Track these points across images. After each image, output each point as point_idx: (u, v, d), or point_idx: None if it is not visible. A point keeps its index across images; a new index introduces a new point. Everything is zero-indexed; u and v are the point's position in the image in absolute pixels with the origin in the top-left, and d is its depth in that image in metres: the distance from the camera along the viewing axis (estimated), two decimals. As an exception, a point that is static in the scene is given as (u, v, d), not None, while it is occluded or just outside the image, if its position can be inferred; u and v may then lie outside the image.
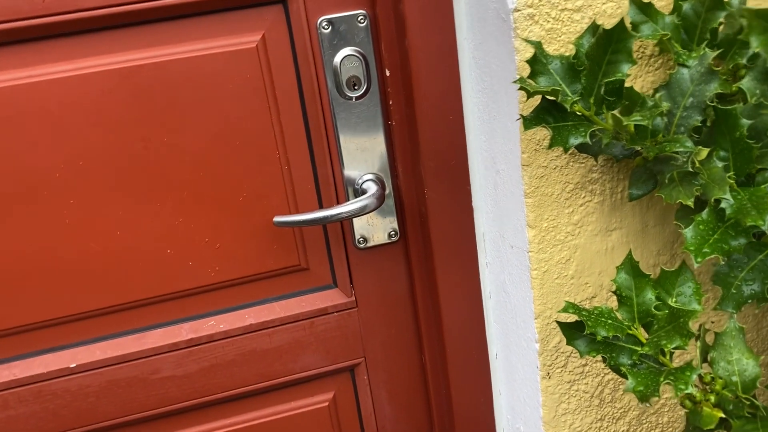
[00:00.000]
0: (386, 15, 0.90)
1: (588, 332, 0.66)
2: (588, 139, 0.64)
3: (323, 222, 0.92)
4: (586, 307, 0.69)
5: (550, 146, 0.65)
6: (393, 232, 1.02)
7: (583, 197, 0.81)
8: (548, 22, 0.74)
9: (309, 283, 1.04)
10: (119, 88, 0.87)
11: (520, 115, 0.69)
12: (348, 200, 0.98)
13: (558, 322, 0.71)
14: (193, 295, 1.00)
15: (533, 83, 0.67)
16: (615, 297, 0.70)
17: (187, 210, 0.95)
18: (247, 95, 0.91)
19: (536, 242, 0.81)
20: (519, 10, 0.72)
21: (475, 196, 0.94)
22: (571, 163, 0.79)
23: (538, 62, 0.67)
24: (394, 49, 0.91)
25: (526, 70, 0.74)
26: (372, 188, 0.94)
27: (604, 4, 0.74)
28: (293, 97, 0.93)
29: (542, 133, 0.77)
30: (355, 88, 0.93)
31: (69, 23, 0.84)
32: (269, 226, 0.97)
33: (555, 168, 0.79)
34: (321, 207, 0.99)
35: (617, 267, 0.69)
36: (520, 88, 0.65)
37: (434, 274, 0.99)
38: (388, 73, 0.93)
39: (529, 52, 0.74)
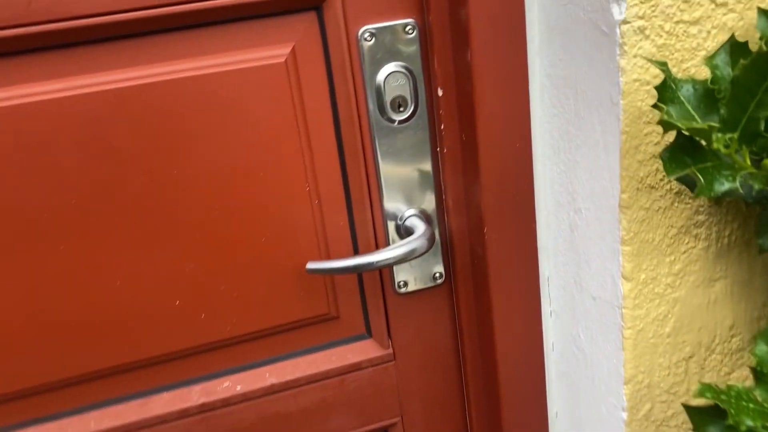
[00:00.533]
0: (441, 25, 0.76)
1: (731, 422, 0.53)
2: (738, 186, 0.51)
3: (366, 269, 0.77)
4: (720, 386, 0.56)
5: (698, 194, 0.52)
6: (438, 274, 0.88)
7: (687, 243, 0.68)
8: (660, 36, 0.61)
9: (339, 334, 0.89)
10: (118, 111, 0.72)
11: (661, 157, 0.55)
12: (388, 239, 0.84)
13: (684, 405, 0.58)
14: (206, 352, 0.85)
15: (669, 116, 0.54)
16: (751, 373, 0.57)
17: (199, 254, 0.79)
18: (272, 118, 0.76)
19: (632, 297, 0.68)
20: (628, 23, 0.59)
21: (541, 234, 0.81)
22: (676, 204, 0.67)
23: (667, 88, 0.54)
24: (449, 65, 0.78)
25: (633, 94, 0.61)
26: (419, 227, 0.80)
27: (724, 15, 0.61)
28: (326, 121, 0.79)
29: (646, 170, 0.64)
30: (401, 109, 0.79)
31: (59, 33, 0.68)
32: (295, 270, 0.83)
33: (658, 210, 0.66)
34: (356, 247, 0.84)
35: (756, 336, 0.56)
36: (662, 122, 0.52)
37: (490, 321, 0.85)
38: (440, 93, 0.79)
39: (636, 72, 0.61)
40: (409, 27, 0.77)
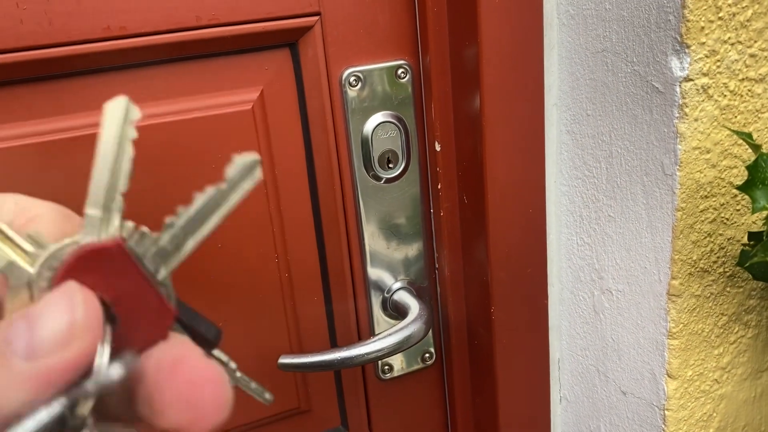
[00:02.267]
0: (441, 67, 0.64)
1: None
2: None
3: (351, 364, 0.63)
4: None
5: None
6: (428, 355, 0.75)
7: (737, 332, 0.58)
8: (724, 96, 0.51)
9: (311, 429, 0.75)
10: (58, 163, 0.56)
11: (750, 261, 0.44)
12: (372, 319, 0.71)
13: None
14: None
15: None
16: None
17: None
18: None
19: (677, 397, 0.57)
20: (691, 80, 0.49)
21: (552, 312, 0.69)
22: (728, 288, 0.56)
23: (759, 169, 0.44)
24: (449, 115, 0.65)
25: (691, 164, 0.51)
26: (412, 306, 0.67)
27: (793, 71, 0.52)
28: (300, 178, 0.65)
29: (700, 251, 0.54)
30: (390, 165, 0.66)
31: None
32: (259, 359, 0.68)
33: (709, 296, 0.56)
34: (333, 329, 0.70)
35: None
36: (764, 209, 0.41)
37: (492, 407, 0.73)
38: (438, 147, 0.66)
39: (697, 139, 0.51)
40: (402, 70, 0.64)
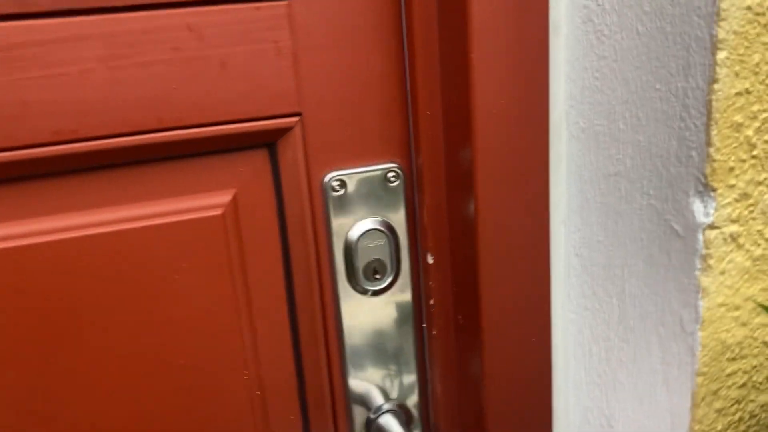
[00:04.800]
0: (435, 172, 0.57)
1: None
2: None
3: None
4: None
5: None
6: (418, 482, 0.67)
7: None
8: (758, 245, 0.42)
9: None
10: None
11: None
12: (354, 441, 0.63)
13: None
14: None
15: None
16: None
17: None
18: (205, 286, 0.56)
19: None
20: (717, 228, 0.40)
21: (556, 449, 0.60)
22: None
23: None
24: (443, 224, 0.58)
25: (716, 323, 0.42)
26: (396, 433, 0.59)
27: None
28: (276, 289, 0.58)
29: (726, 420, 0.45)
30: (377, 277, 0.59)
31: None
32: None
33: (737, 472, 0.47)
34: (311, 451, 0.63)
35: None
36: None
37: None
38: (431, 260, 0.59)
39: (723, 295, 0.42)
40: (391, 174, 0.57)
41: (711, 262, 0.41)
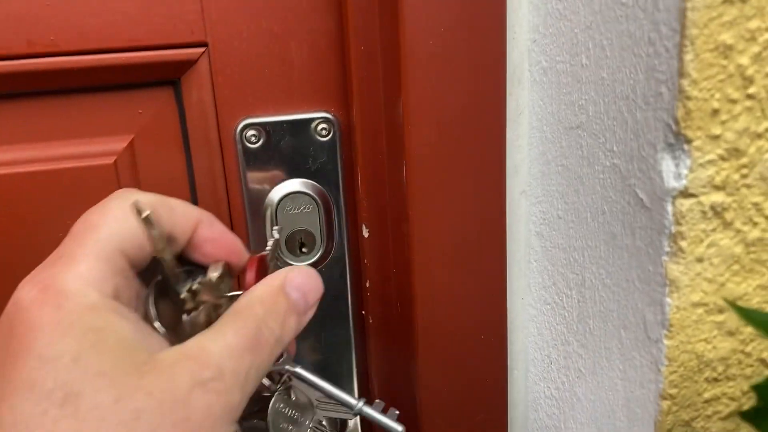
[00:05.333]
0: (370, 124, 0.46)
1: None
2: None
3: None
4: None
5: None
6: (354, 496, 0.57)
7: None
8: (754, 225, 0.30)
9: None
10: None
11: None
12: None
13: None
14: None
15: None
16: None
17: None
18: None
19: None
20: (693, 195, 0.29)
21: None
22: None
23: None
24: (381, 191, 0.47)
25: (689, 329, 0.31)
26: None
27: None
28: (186, 257, 0.49)
29: (703, 465, 0.33)
30: (303, 250, 0.49)
31: None
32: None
33: None
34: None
35: None
36: None
37: None
38: (366, 234, 0.49)
39: (700, 292, 0.30)
40: (322, 125, 0.47)
41: (683, 243, 0.29)
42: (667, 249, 0.30)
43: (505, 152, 0.42)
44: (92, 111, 0.46)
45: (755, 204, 0.30)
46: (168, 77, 0.46)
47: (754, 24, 0.27)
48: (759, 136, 0.29)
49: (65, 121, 0.45)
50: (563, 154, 0.38)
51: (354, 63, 0.44)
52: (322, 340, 0.52)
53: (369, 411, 0.34)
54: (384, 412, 0.34)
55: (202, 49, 0.45)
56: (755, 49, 0.28)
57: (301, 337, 0.50)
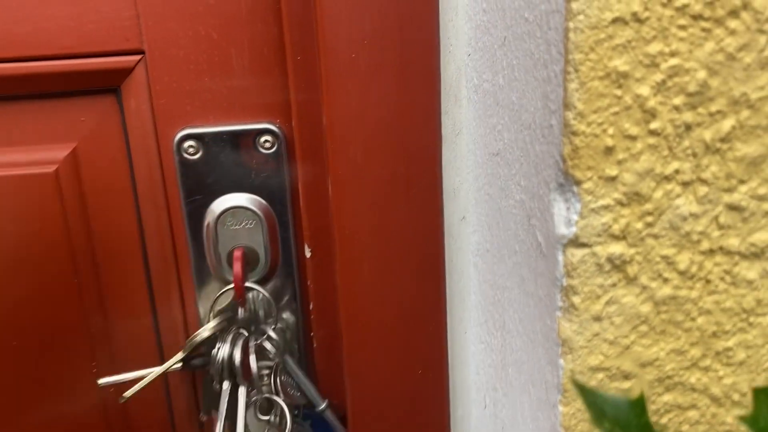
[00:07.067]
0: (309, 136, 0.43)
1: None
2: None
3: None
4: None
5: None
6: None
7: None
8: (664, 282, 0.26)
9: None
10: None
11: None
12: None
13: None
14: None
15: None
16: None
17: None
18: (40, 258, 0.46)
19: None
20: (585, 245, 0.25)
21: None
22: None
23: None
24: (323, 207, 0.45)
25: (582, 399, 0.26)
26: None
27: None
28: (134, 274, 0.48)
29: None
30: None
31: None
32: None
33: None
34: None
35: None
36: None
37: None
38: (308, 253, 0.46)
39: (601, 353, 0.26)
40: (265, 137, 0.45)
41: (576, 299, 0.25)
42: (560, 304, 0.26)
43: (440, 174, 0.38)
44: (34, 118, 0.45)
45: (665, 257, 0.25)
46: (108, 85, 0.44)
47: (654, 48, 0.23)
48: (667, 178, 0.24)
49: (5, 129, 0.45)
50: (489, 182, 0.34)
51: (291, 73, 0.42)
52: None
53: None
54: None
55: (138, 57, 0.43)
56: (657, 77, 0.23)
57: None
